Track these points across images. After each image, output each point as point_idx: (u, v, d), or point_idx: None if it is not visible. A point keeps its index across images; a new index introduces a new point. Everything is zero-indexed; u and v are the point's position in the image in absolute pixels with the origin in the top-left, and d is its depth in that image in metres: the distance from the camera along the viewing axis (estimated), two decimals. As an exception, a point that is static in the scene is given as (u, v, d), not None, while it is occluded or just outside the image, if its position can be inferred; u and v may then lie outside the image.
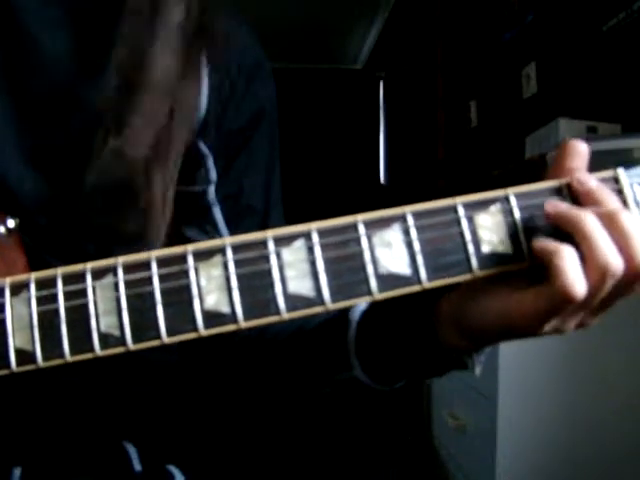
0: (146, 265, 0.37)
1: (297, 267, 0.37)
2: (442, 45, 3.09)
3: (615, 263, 0.36)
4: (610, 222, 0.37)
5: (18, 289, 0.38)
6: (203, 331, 0.37)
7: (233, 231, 0.61)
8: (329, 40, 4.52)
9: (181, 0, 0.53)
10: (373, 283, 0.37)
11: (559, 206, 0.38)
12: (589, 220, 0.36)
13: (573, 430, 1.27)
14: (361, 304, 0.52)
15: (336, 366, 0.54)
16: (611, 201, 0.38)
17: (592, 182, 0.38)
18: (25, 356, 0.38)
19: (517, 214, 0.39)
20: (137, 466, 0.57)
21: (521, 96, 2.19)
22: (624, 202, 0.39)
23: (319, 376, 0.57)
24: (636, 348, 1.26)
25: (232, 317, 0.37)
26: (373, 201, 3.94)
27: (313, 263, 0.37)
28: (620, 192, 0.39)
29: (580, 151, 0.40)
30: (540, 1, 2.07)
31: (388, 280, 0.37)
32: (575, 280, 0.36)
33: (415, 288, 0.38)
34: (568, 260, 0.36)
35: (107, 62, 0.52)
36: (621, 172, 0.39)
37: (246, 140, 0.61)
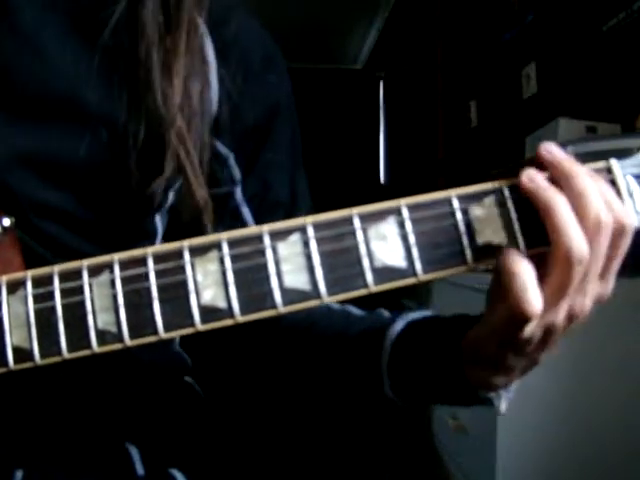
0: (142, 261, 0.37)
1: (293, 261, 0.37)
2: (442, 45, 3.09)
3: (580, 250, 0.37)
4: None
5: (15, 287, 0.38)
6: (200, 326, 0.37)
7: None
8: (329, 40, 4.53)
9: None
10: (369, 276, 0.37)
11: (534, 180, 0.38)
12: (558, 210, 0.37)
13: (573, 430, 1.26)
14: (398, 325, 0.53)
15: (369, 381, 0.54)
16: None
17: (540, 180, 0.38)
18: (22, 354, 0.38)
19: (511, 206, 0.39)
20: (140, 469, 0.57)
21: (521, 96, 2.19)
22: (617, 192, 0.39)
23: (351, 387, 0.58)
24: (637, 348, 1.26)
25: (229, 312, 0.37)
26: (373, 201, 3.93)
27: (309, 257, 0.37)
28: (613, 183, 0.39)
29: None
30: (540, 1, 2.07)
31: (384, 273, 0.38)
32: (528, 296, 0.36)
33: (411, 280, 0.38)
34: (521, 277, 0.36)
35: (106, 65, 0.52)
36: (614, 162, 0.40)
37: (265, 136, 0.61)
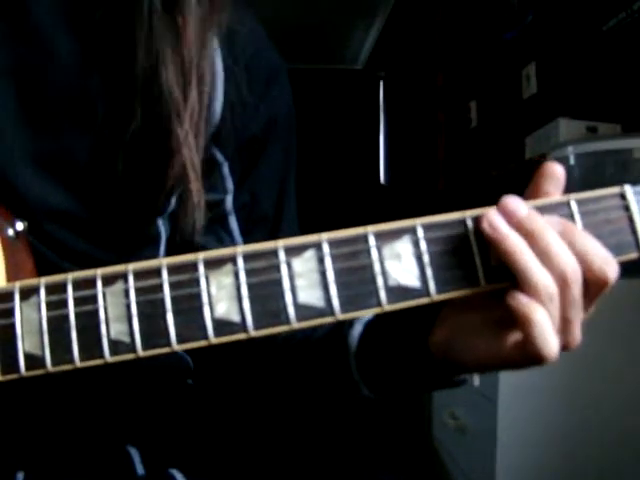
0: (156, 272, 0.38)
1: (307, 277, 0.38)
2: (442, 45, 3.09)
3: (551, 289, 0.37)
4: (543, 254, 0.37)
5: (28, 294, 0.39)
6: (213, 339, 0.37)
7: (247, 241, 0.61)
8: (329, 40, 4.51)
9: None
10: (382, 295, 0.38)
11: (500, 230, 0.38)
12: (519, 256, 0.37)
13: (573, 430, 1.26)
14: (356, 330, 0.53)
15: (345, 388, 0.54)
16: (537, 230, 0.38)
17: (503, 228, 0.38)
18: (34, 361, 0.38)
19: None
20: (140, 470, 0.57)
21: (521, 96, 2.19)
22: (630, 219, 0.39)
23: (323, 388, 0.58)
24: (637, 348, 1.26)
25: (242, 326, 0.37)
26: (373, 201, 3.94)
27: (323, 273, 0.37)
28: (627, 209, 0.39)
29: (554, 174, 0.40)
30: (540, 1, 2.07)
31: (397, 292, 0.38)
32: (548, 343, 0.37)
33: (424, 300, 0.38)
34: (539, 326, 0.37)
35: (121, 66, 0.52)
36: (628, 188, 0.39)
37: (260, 148, 0.61)
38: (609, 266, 0.38)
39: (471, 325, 0.42)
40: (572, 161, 1.28)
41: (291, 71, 0.64)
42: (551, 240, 0.37)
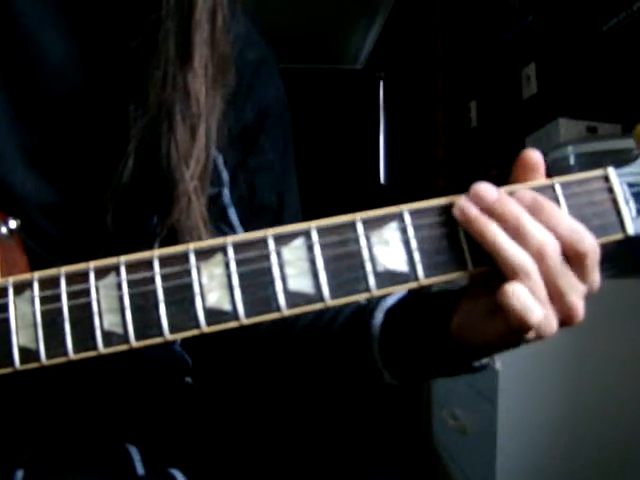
0: (148, 264, 0.38)
1: (297, 265, 0.38)
2: (442, 45, 3.09)
3: (527, 263, 0.37)
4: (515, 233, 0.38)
5: (21, 288, 0.39)
6: (205, 328, 0.37)
7: (249, 231, 0.61)
8: (329, 40, 4.52)
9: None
10: (371, 280, 0.38)
11: (468, 214, 0.39)
12: (490, 235, 0.38)
13: (573, 431, 1.26)
14: (377, 318, 0.53)
15: (367, 374, 0.54)
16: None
17: (472, 212, 0.38)
18: (29, 354, 0.38)
19: None
20: (140, 469, 0.57)
21: (521, 96, 2.19)
22: (613, 200, 0.40)
23: (347, 381, 0.58)
24: (638, 349, 1.26)
25: (234, 314, 0.37)
26: (373, 201, 3.93)
27: (312, 261, 0.38)
28: (610, 191, 0.40)
29: (531, 161, 0.41)
30: (540, 1, 2.08)
31: (386, 277, 0.38)
32: (529, 309, 0.37)
33: (412, 285, 0.39)
34: (515, 295, 0.37)
35: (111, 65, 0.52)
36: (611, 171, 0.40)
37: (253, 140, 0.61)
38: (580, 237, 0.38)
39: (479, 310, 0.42)
40: (572, 161, 1.27)
41: (291, 71, 0.64)
42: (523, 220, 0.38)
